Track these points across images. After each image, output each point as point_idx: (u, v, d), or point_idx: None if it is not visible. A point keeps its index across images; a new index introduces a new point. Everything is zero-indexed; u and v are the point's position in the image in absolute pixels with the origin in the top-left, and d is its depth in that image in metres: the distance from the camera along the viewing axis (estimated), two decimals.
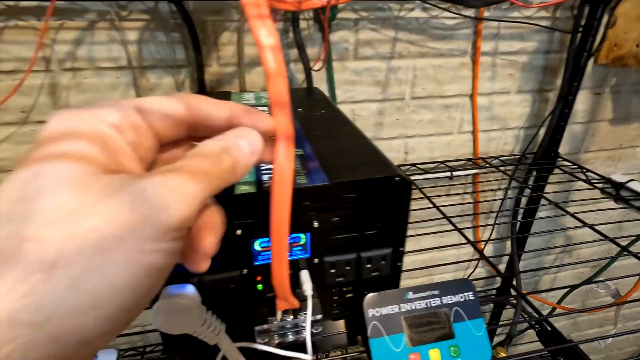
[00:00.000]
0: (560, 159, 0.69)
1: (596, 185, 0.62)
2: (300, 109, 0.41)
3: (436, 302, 0.31)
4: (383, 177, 0.26)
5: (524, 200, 0.72)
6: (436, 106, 0.67)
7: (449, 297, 0.31)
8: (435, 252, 0.82)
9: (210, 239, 0.16)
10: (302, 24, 0.56)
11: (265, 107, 0.42)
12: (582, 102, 0.73)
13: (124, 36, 0.51)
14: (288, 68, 0.59)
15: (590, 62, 0.65)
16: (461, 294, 0.31)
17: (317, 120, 0.38)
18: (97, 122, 0.14)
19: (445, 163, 0.69)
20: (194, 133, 0.18)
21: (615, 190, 0.59)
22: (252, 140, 0.17)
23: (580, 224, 0.50)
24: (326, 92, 0.61)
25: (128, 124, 0.15)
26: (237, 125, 0.18)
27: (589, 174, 0.64)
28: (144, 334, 0.75)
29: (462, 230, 0.47)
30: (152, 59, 0.53)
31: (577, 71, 0.61)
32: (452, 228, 0.50)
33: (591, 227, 0.48)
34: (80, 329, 0.11)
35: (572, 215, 0.50)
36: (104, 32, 0.51)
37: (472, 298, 0.31)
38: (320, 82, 0.60)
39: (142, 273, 0.12)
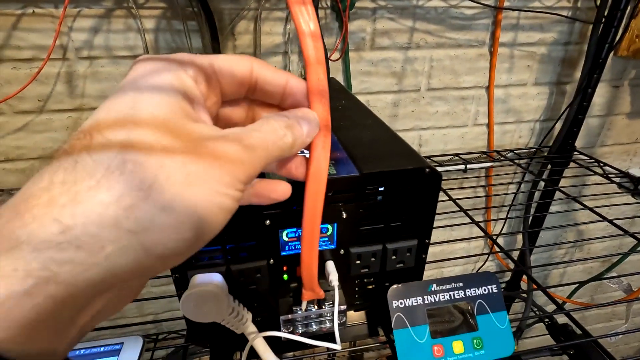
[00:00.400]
0: (576, 153, 0.68)
1: (613, 179, 0.61)
2: None
3: (459, 294, 0.31)
4: (414, 169, 0.25)
5: (537, 195, 0.72)
6: (451, 98, 0.66)
7: (472, 289, 0.31)
8: (445, 245, 0.82)
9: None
10: (319, 13, 0.55)
11: None
12: (599, 95, 0.72)
13: (141, 24, 0.51)
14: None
15: (610, 54, 0.64)
16: (484, 287, 0.31)
17: (339, 110, 0.38)
18: (180, 71, 0.16)
19: (460, 156, 0.68)
20: (251, 95, 0.20)
21: (634, 185, 0.59)
22: (311, 123, 0.19)
23: (597, 219, 0.50)
24: (342, 83, 0.60)
25: (202, 78, 0.17)
26: (291, 95, 0.19)
27: (606, 168, 0.63)
28: (156, 323, 0.76)
29: (474, 224, 0.47)
30: (168, 48, 0.53)
31: (598, 63, 0.59)
32: (463, 222, 0.50)
33: (610, 221, 0.47)
34: (163, 246, 0.13)
35: (591, 209, 0.50)
36: (121, 20, 0.50)
37: (496, 291, 0.31)
38: (336, 73, 0.60)
39: (214, 210, 0.14)
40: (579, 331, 0.48)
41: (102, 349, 0.30)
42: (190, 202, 0.13)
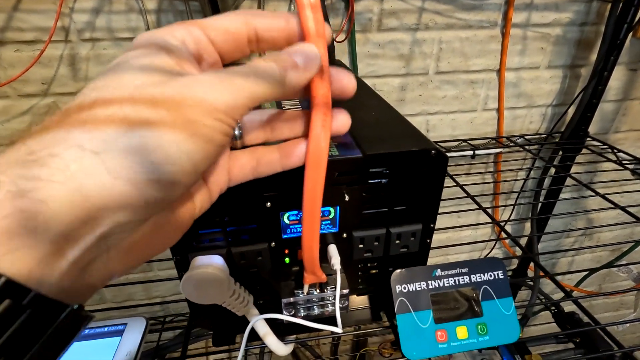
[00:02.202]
0: (589, 139, 0.66)
1: (627, 166, 0.59)
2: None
3: (464, 280, 0.30)
4: (419, 150, 0.24)
5: (547, 182, 0.70)
6: (461, 82, 0.65)
7: (478, 275, 0.30)
8: (452, 233, 0.81)
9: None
10: None
11: None
12: (615, 78, 0.69)
13: (142, 5, 0.50)
14: None
15: (629, 35, 0.61)
16: (490, 273, 0.30)
17: None
18: (168, 36, 0.16)
19: (468, 141, 0.67)
20: (255, 48, 0.19)
21: None
22: (307, 54, 0.18)
23: (608, 206, 0.48)
24: (347, 66, 0.59)
25: (191, 38, 0.17)
26: (295, 37, 0.18)
27: (620, 154, 0.62)
28: (164, 305, 0.77)
29: (482, 210, 0.46)
30: None
31: (615, 45, 0.57)
32: (470, 208, 0.49)
33: (623, 208, 0.46)
34: (131, 170, 0.13)
35: (603, 196, 0.48)
36: (122, 0, 0.49)
37: (502, 277, 0.30)
38: (341, 55, 0.58)
39: (186, 136, 0.14)
40: (585, 319, 0.47)
41: (105, 329, 0.30)
42: (155, 125, 0.13)
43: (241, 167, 0.20)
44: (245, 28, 0.18)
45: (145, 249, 0.16)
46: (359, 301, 0.33)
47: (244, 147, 0.21)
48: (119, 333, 0.30)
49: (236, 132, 0.21)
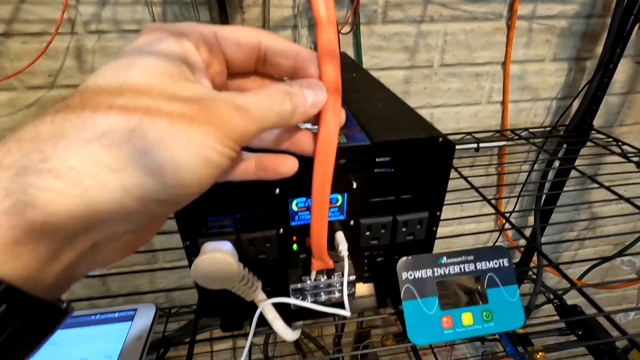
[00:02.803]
0: (594, 132, 0.66)
1: (632, 159, 0.59)
2: None
3: (470, 267, 0.30)
4: (426, 138, 0.25)
5: (551, 174, 0.70)
6: (465, 74, 0.65)
7: (483, 262, 0.30)
8: (455, 226, 0.81)
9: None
10: None
11: None
12: (621, 71, 0.69)
13: None
14: (314, 33, 0.57)
15: (635, 27, 0.61)
16: (496, 260, 0.31)
17: (350, 83, 0.37)
18: (182, 37, 0.16)
19: (472, 134, 0.67)
20: (261, 68, 0.19)
21: None
22: (317, 93, 0.18)
23: (613, 197, 0.48)
24: (352, 58, 0.59)
25: (205, 45, 0.17)
26: (302, 69, 0.19)
27: (624, 147, 0.62)
28: (169, 297, 0.78)
29: (486, 203, 0.46)
30: (176, 21, 0.52)
31: (621, 36, 0.57)
32: (473, 199, 0.49)
33: (627, 200, 0.46)
34: (143, 188, 0.13)
35: (607, 188, 0.48)
36: None
37: (507, 265, 0.31)
38: (346, 47, 0.58)
39: (197, 160, 0.14)
40: (588, 312, 0.48)
41: (116, 314, 0.31)
42: (172, 149, 0.13)
43: (244, 171, 0.20)
44: (258, 46, 0.18)
45: (131, 246, 0.17)
46: (365, 289, 0.34)
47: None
48: (130, 318, 0.30)
49: None
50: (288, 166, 0.20)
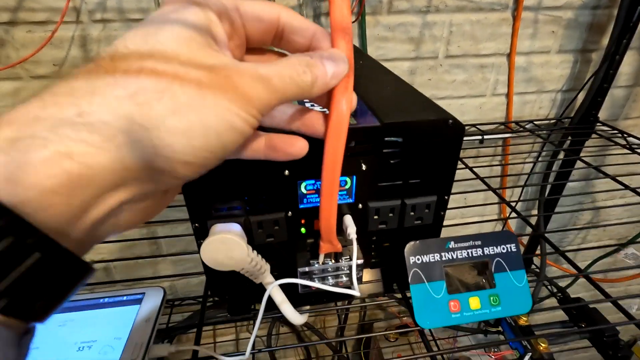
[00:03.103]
0: (599, 124, 0.66)
1: (636, 150, 0.59)
2: None
3: (478, 252, 0.30)
4: (436, 120, 0.25)
5: (556, 166, 0.70)
6: (470, 66, 0.64)
7: (491, 247, 0.30)
8: (458, 219, 0.81)
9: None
10: None
11: None
12: (627, 63, 0.68)
13: None
14: (319, 21, 0.56)
15: None
16: (503, 245, 0.31)
17: (357, 69, 0.37)
18: (205, 7, 0.16)
19: (477, 126, 0.67)
20: (277, 44, 0.20)
21: None
22: (338, 64, 0.18)
23: (618, 187, 0.48)
24: (358, 47, 0.58)
25: (227, 17, 0.17)
26: (316, 48, 0.19)
27: (630, 139, 0.61)
28: (172, 288, 0.78)
29: (489, 197, 0.46)
30: None
31: (628, 27, 0.56)
32: (477, 190, 0.49)
33: (633, 190, 0.46)
34: (171, 148, 0.13)
35: (613, 177, 0.48)
36: None
37: (515, 250, 0.31)
38: None
39: (224, 124, 0.15)
40: (592, 305, 0.48)
41: (124, 297, 0.31)
42: (200, 111, 0.14)
43: (255, 149, 0.20)
44: (277, 22, 0.18)
45: (149, 213, 0.17)
46: (372, 274, 0.34)
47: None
48: (138, 302, 0.31)
49: None
50: (298, 147, 0.20)
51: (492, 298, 0.30)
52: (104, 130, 0.12)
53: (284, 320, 0.82)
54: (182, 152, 0.14)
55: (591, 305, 0.51)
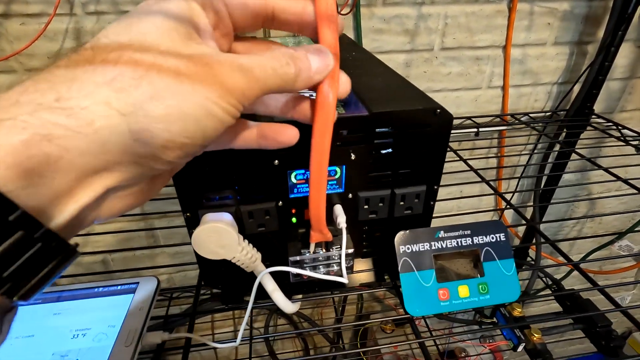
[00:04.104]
0: (594, 117, 0.66)
1: (631, 142, 0.59)
2: None
3: (467, 241, 0.31)
4: (424, 109, 0.25)
5: (551, 158, 0.70)
6: (466, 58, 0.64)
7: (480, 237, 0.31)
8: (455, 211, 0.82)
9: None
10: None
11: None
12: (622, 56, 0.68)
13: None
14: None
15: (637, 10, 0.60)
16: (492, 235, 0.31)
17: (349, 61, 0.37)
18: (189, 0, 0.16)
19: (472, 119, 0.67)
20: (269, 25, 0.19)
21: None
22: (322, 59, 0.18)
23: (612, 179, 0.49)
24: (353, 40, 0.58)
25: (211, 7, 0.17)
26: (309, 25, 0.19)
27: (624, 131, 0.62)
28: (170, 280, 0.79)
29: (484, 189, 0.46)
30: None
31: (624, 18, 0.56)
32: (472, 181, 0.49)
33: (625, 181, 0.46)
34: (150, 133, 0.14)
35: (606, 169, 0.49)
36: None
37: (504, 239, 0.31)
38: (346, 30, 0.58)
39: (202, 112, 0.15)
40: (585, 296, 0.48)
41: (118, 287, 0.31)
42: (178, 97, 0.14)
43: (247, 138, 0.21)
44: (265, 6, 0.18)
45: (140, 197, 0.17)
46: (363, 264, 0.34)
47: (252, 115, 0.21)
48: (132, 291, 0.31)
49: None
50: (288, 135, 0.21)
51: (480, 286, 0.30)
52: (82, 114, 0.13)
53: (282, 313, 0.83)
54: (161, 137, 0.14)
55: (585, 297, 0.52)
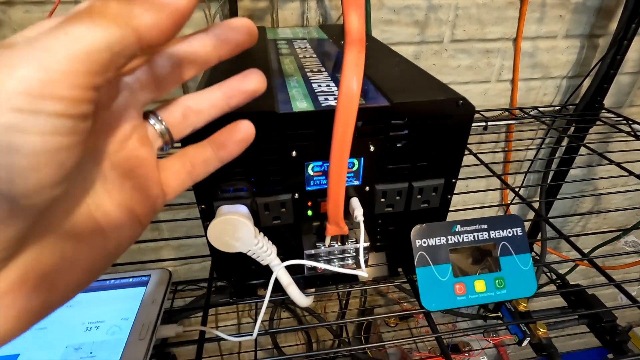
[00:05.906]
0: (604, 111, 0.65)
1: None
2: (342, 42, 0.39)
3: (483, 235, 0.30)
4: (446, 99, 0.24)
5: (559, 152, 0.70)
6: (476, 51, 0.63)
7: (496, 231, 0.30)
8: (460, 205, 0.81)
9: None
10: None
11: (301, 42, 0.40)
12: (634, 49, 0.67)
13: None
14: (323, 5, 0.55)
15: None
16: (509, 229, 0.30)
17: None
18: None
19: (481, 113, 0.66)
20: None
21: None
22: None
23: (622, 174, 0.48)
24: None
25: None
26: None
27: (634, 125, 0.61)
28: (175, 274, 0.79)
29: (494, 180, 0.46)
30: None
31: (637, 12, 0.55)
32: (481, 175, 0.49)
33: (637, 176, 0.46)
34: None
35: (617, 164, 0.48)
36: None
37: (520, 234, 0.31)
38: None
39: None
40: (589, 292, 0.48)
41: (130, 279, 0.31)
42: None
43: (175, 176, 0.17)
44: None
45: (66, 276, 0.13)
46: (377, 257, 0.34)
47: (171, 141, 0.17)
48: (144, 283, 0.31)
49: (159, 128, 0.16)
50: (244, 129, 0.18)
51: (497, 281, 0.30)
52: None
53: (286, 306, 0.83)
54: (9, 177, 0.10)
55: (590, 292, 0.51)
